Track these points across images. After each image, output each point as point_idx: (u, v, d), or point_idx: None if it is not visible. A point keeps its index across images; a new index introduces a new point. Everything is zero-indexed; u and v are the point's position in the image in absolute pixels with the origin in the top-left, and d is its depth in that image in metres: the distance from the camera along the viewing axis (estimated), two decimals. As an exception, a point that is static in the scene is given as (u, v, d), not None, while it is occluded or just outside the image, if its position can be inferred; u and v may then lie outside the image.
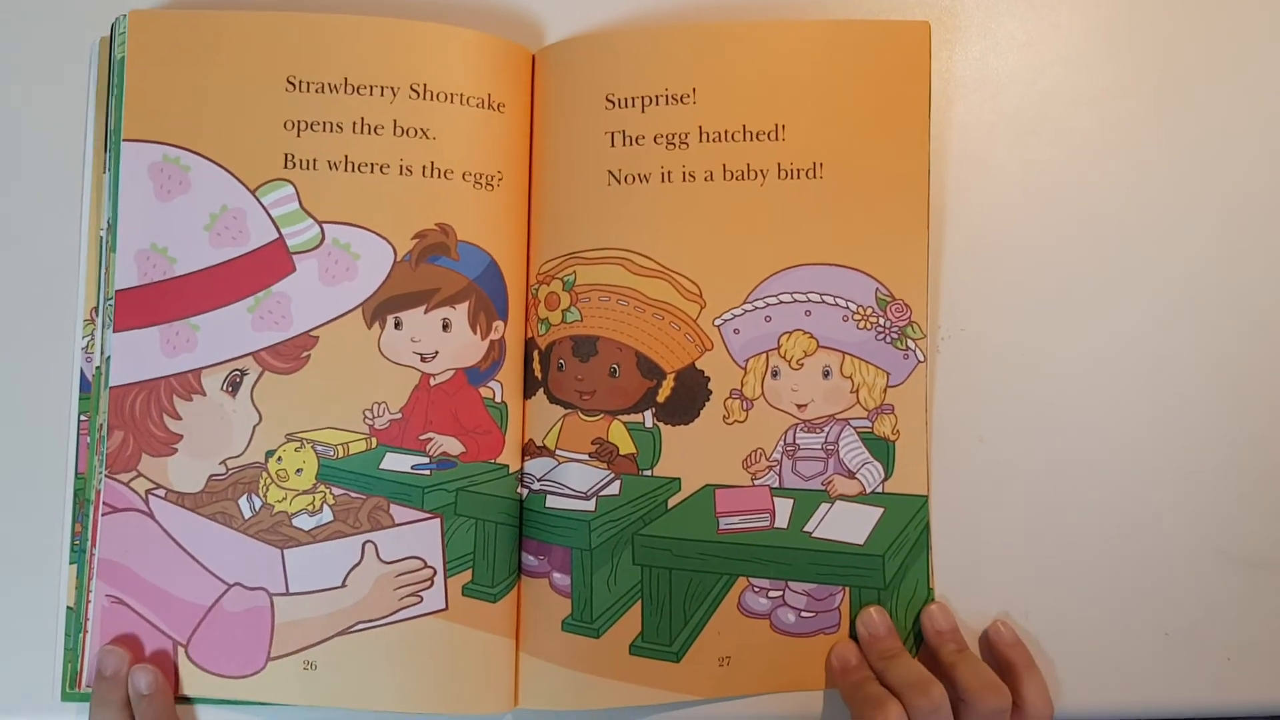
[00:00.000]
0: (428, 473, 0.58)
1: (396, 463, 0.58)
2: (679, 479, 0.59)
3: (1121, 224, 0.63)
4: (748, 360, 0.60)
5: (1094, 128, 0.63)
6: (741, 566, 0.59)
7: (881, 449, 0.60)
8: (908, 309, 0.60)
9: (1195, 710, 0.61)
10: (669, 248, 0.59)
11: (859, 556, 0.59)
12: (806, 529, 0.59)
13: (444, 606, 0.58)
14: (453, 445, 0.59)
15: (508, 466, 0.59)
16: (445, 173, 0.59)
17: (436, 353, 0.59)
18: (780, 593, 0.59)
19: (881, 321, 0.60)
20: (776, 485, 0.59)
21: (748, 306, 0.59)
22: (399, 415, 0.58)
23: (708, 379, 0.59)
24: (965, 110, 0.63)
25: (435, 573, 0.58)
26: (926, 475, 0.60)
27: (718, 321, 0.59)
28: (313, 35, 0.59)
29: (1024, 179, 0.63)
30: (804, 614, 0.59)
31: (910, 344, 0.60)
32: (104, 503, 0.57)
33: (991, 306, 0.62)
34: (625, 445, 0.59)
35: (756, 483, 0.59)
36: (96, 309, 0.59)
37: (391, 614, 0.58)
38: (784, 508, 0.59)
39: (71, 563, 0.59)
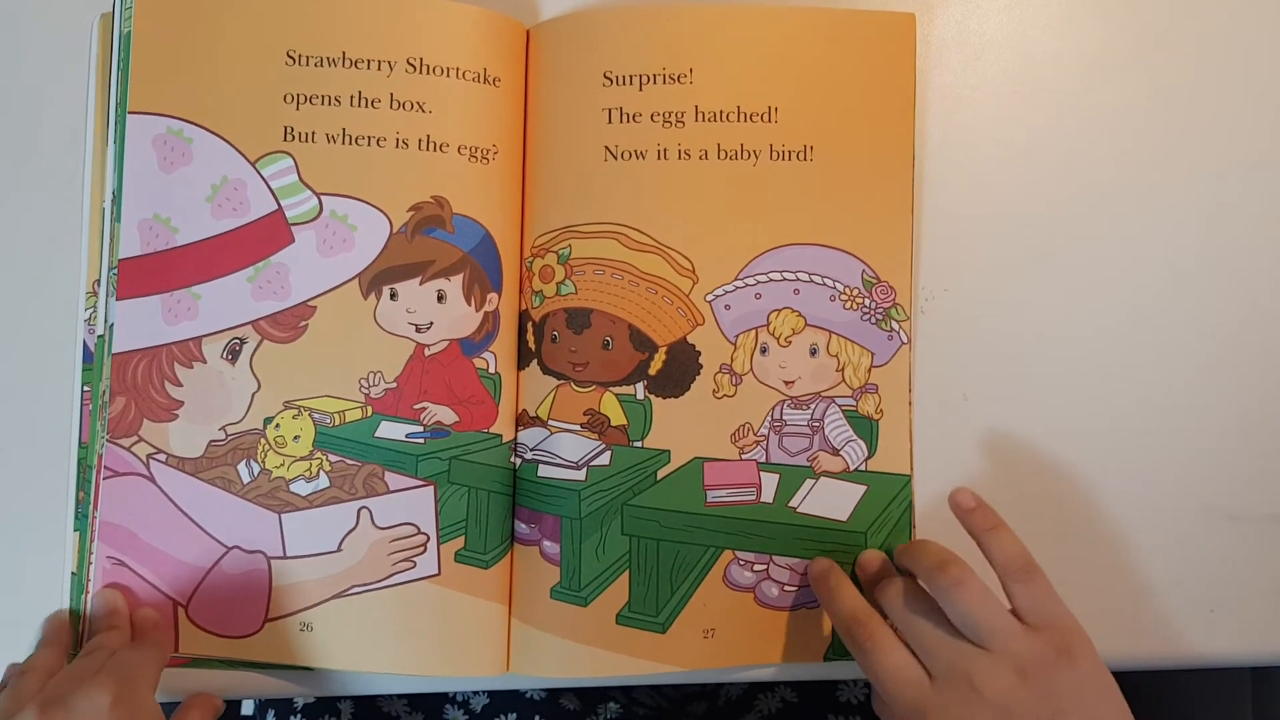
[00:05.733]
0: (422, 441, 0.60)
1: (391, 431, 0.59)
2: (668, 451, 0.60)
3: (1104, 184, 0.63)
4: (738, 336, 0.60)
5: (1077, 89, 0.64)
6: (728, 539, 0.60)
7: (865, 427, 0.61)
8: (892, 290, 0.61)
9: (1179, 662, 0.62)
10: (664, 224, 0.60)
11: (842, 532, 0.60)
12: (792, 504, 0.60)
13: (437, 572, 0.59)
14: (446, 415, 0.60)
15: (500, 436, 0.60)
16: (441, 146, 0.59)
17: (431, 324, 0.60)
18: (765, 566, 0.60)
19: (867, 302, 0.61)
20: (763, 460, 0.60)
21: (739, 283, 0.60)
22: (394, 385, 0.59)
23: (699, 353, 0.60)
24: (947, 73, 0.64)
25: (428, 539, 0.59)
26: (910, 455, 0.61)
27: (709, 297, 0.60)
28: (313, 9, 0.59)
29: (1007, 141, 0.63)
30: (787, 588, 0.60)
31: (894, 325, 0.61)
32: (106, 466, 0.59)
33: (975, 267, 0.63)
34: (617, 417, 0.60)
35: (744, 457, 0.60)
36: (99, 281, 0.60)
37: (385, 578, 0.59)
38: (770, 482, 0.60)
39: (75, 530, 0.60)
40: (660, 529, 0.60)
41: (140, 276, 0.59)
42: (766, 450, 0.60)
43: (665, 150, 0.60)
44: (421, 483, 0.59)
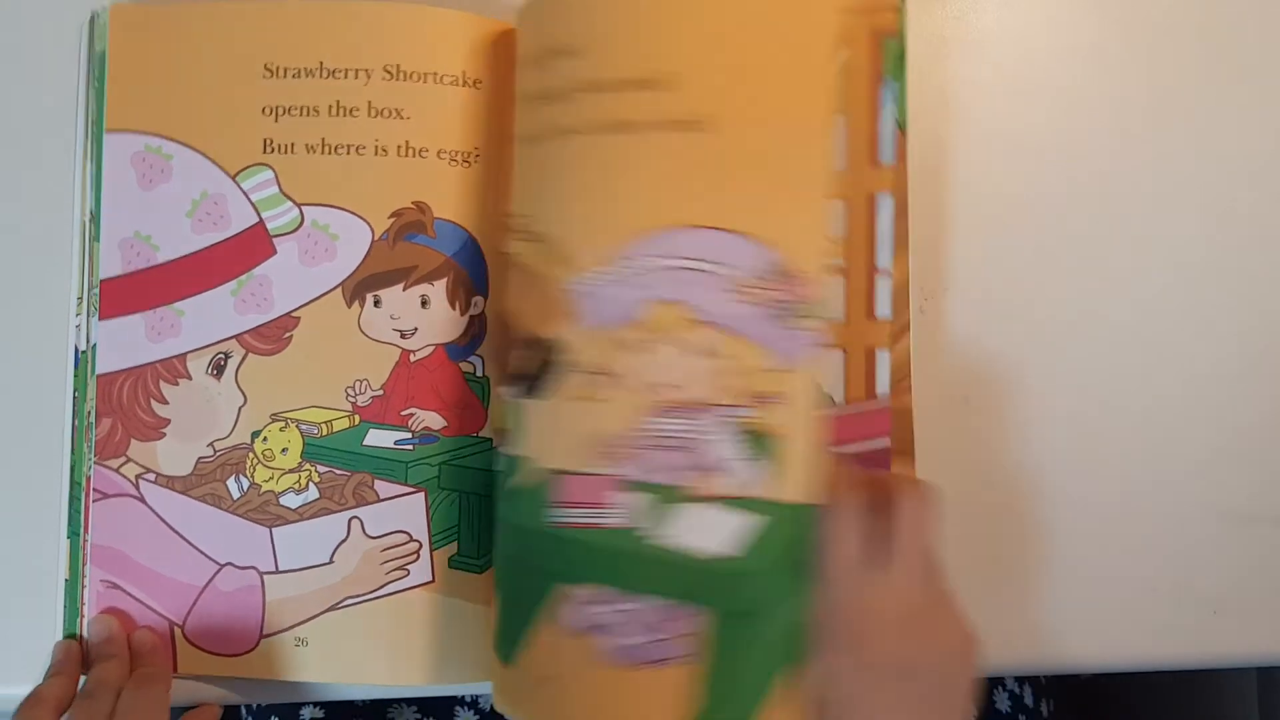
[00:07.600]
0: (411, 448, 0.59)
1: (379, 439, 0.59)
2: (521, 458, 0.53)
3: (1106, 180, 0.63)
4: (607, 332, 0.51)
5: (1077, 84, 0.63)
6: (569, 569, 0.51)
7: (762, 444, 0.50)
8: (803, 283, 0.50)
9: (1182, 662, 0.61)
10: (536, 209, 0.54)
11: (725, 575, 0.50)
12: (659, 531, 0.50)
13: (430, 579, 0.59)
14: (434, 420, 0.59)
15: (490, 440, 0.60)
16: (420, 151, 0.59)
17: (416, 329, 0.59)
18: (615, 607, 0.50)
19: (770, 296, 0.50)
20: (630, 477, 0.50)
21: (609, 270, 0.51)
22: (381, 392, 0.59)
23: (558, 350, 0.52)
24: (946, 68, 0.63)
25: (421, 546, 0.59)
26: (809, 480, 0.50)
27: (574, 285, 0.51)
28: (289, 21, 0.59)
29: (1006, 137, 0.63)
30: (647, 639, 0.50)
31: (805, 324, 0.50)
32: (95, 489, 0.58)
33: (974, 265, 0.62)
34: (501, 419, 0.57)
35: (605, 472, 0.50)
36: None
37: (379, 588, 0.58)
38: (634, 503, 0.50)
39: (68, 537, 0.59)
40: (499, 553, 0.55)
41: (122, 296, 0.59)
42: (634, 465, 0.50)
43: (542, 130, 0.54)
44: (412, 490, 0.59)
